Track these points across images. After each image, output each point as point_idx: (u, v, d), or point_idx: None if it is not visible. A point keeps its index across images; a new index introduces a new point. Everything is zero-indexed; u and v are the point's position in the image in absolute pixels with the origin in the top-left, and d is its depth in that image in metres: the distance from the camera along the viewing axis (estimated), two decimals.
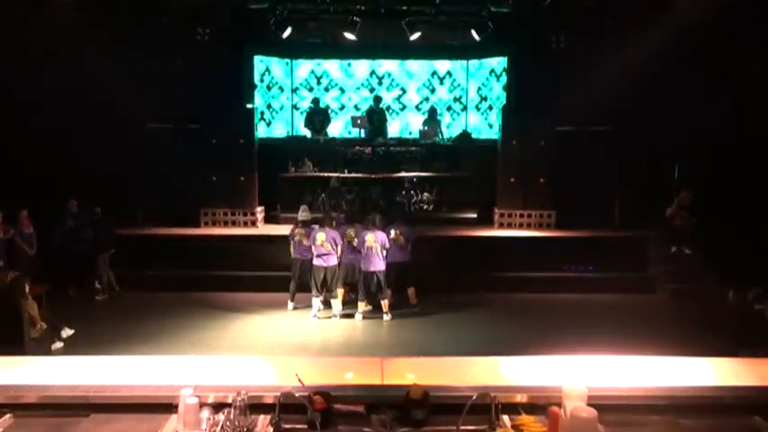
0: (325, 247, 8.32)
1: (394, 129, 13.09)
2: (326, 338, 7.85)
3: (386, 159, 12.10)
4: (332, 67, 13.43)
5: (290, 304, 8.83)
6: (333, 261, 8.41)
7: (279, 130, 13.30)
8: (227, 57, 11.72)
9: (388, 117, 12.95)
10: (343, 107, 13.43)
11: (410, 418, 3.07)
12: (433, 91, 13.50)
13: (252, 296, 9.41)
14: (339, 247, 8.45)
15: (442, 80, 13.48)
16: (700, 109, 10.17)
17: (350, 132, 12.69)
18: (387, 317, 8.36)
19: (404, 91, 13.44)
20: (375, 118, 12.52)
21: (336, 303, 8.57)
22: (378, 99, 12.81)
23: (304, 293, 8.71)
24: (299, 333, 8.01)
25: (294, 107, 13.41)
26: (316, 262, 8.38)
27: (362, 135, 12.39)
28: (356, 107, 13.39)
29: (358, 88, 13.45)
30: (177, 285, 9.61)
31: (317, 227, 8.62)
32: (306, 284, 8.69)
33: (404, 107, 13.46)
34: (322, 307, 8.59)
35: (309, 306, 8.59)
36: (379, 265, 8.30)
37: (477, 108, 13.42)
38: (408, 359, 4.30)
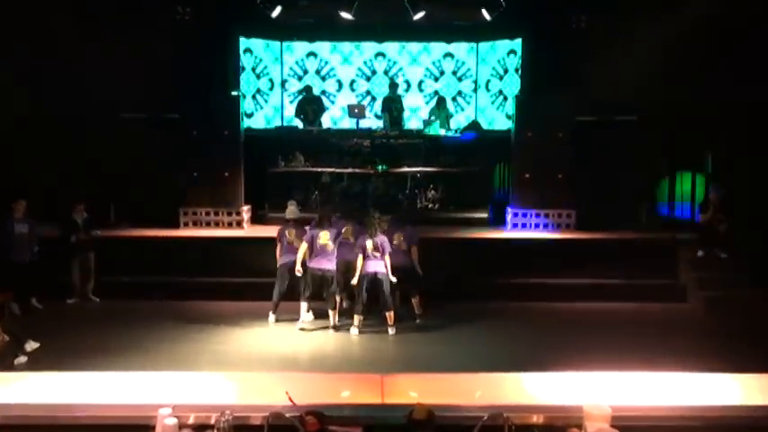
0: (328, 248, 8.30)
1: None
2: (320, 352, 7.85)
3: (387, 153, 12.11)
4: (326, 50, 13.44)
5: (272, 316, 8.77)
6: (331, 266, 8.40)
7: (267, 121, 13.32)
8: (209, 38, 11.73)
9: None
10: (340, 87, 13.44)
11: None
12: (438, 77, 13.52)
13: (237, 305, 9.40)
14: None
15: (449, 64, 13.49)
16: (737, 95, 10.19)
17: (377, 118, 12.55)
18: (392, 331, 8.33)
19: (408, 84, 13.43)
20: (393, 107, 12.49)
21: (333, 313, 8.58)
22: (394, 86, 12.79)
23: (291, 302, 8.70)
24: (289, 346, 8.01)
25: (283, 88, 13.40)
26: (312, 264, 8.34)
27: (359, 125, 12.41)
28: (352, 87, 13.41)
29: (353, 81, 13.45)
30: (153, 293, 9.59)
31: (312, 226, 8.62)
32: (291, 293, 8.69)
33: (408, 87, 13.47)
34: (311, 317, 8.57)
35: (296, 315, 8.59)
36: (380, 267, 8.28)
37: (488, 88, 13.42)
38: (411, 375, 4.30)
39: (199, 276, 9.93)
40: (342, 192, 11.79)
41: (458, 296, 9.49)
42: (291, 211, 8.88)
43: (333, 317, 8.50)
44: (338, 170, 11.92)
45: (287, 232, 8.73)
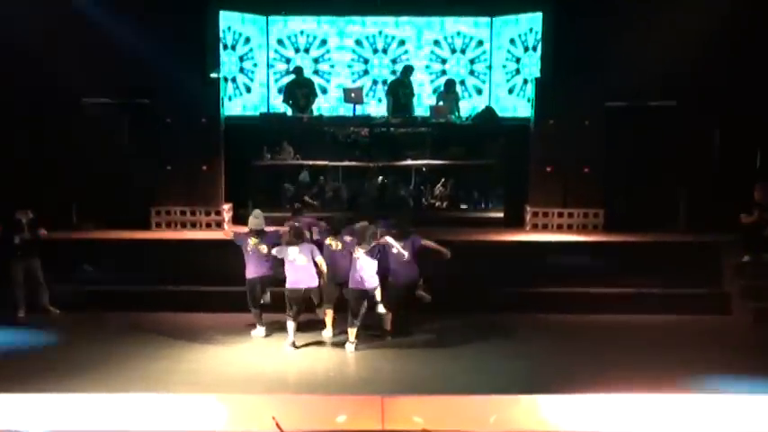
0: (299, 261, 8.28)
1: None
2: (311, 372, 7.85)
3: (388, 143, 12.12)
4: (319, 26, 13.44)
5: (261, 330, 8.80)
6: (313, 282, 8.38)
7: (251, 107, 13.32)
8: (184, 12, 11.72)
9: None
10: (332, 66, 13.43)
11: None
12: (447, 59, 13.49)
13: (215, 317, 9.40)
14: (320, 261, 8.40)
15: (459, 42, 13.49)
16: None
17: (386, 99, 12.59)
18: (389, 336, 8.34)
19: (412, 69, 13.41)
20: (401, 92, 12.47)
21: (327, 327, 8.57)
22: (408, 69, 12.75)
23: (278, 313, 8.67)
24: (276, 364, 8.01)
25: (270, 69, 13.38)
26: (290, 284, 8.33)
27: (356, 111, 12.41)
28: (349, 65, 13.40)
29: (349, 62, 13.46)
30: (121, 303, 9.61)
31: (282, 239, 8.60)
32: (268, 305, 8.73)
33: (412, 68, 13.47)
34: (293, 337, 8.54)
35: (283, 327, 8.56)
36: (371, 282, 8.27)
37: (504, 70, 13.40)
38: (415, 398, 4.29)
39: (173, 284, 9.92)
40: (324, 191, 11.79)
41: (469, 307, 9.49)
42: (255, 222, 8.82)
43: (327, 331, 8.52)
44: (332, 163, 11.93)
45: (252, 241, 8.63)
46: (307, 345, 8.52)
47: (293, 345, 8.41)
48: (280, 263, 8.52)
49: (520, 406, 3.75)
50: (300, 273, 8.32)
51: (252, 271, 8.65)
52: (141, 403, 4.90)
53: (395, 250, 8.49)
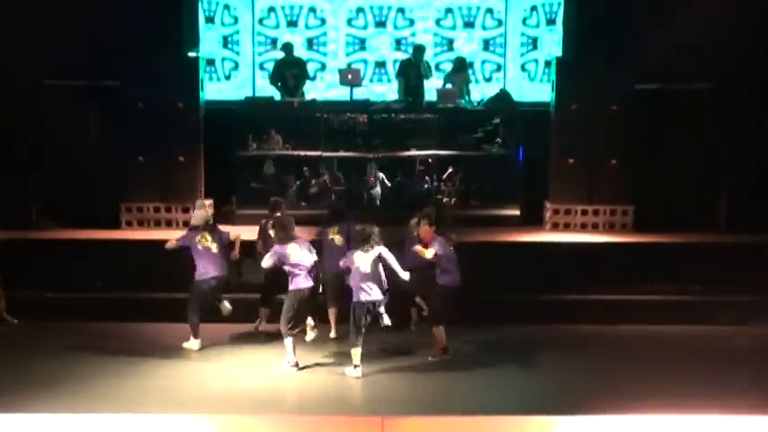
0: (305, 263, 8.24)
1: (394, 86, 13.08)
2: (304, 390, 7.87)
3: (389, 132, 12.13)
4: None
5: (196, 342, 8.75)
6: (309, 282, 8.39)
7: (235, 90, 13.35)
8: None
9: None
10: (329, 45, 13.45)
11: None
12: (453, 40, 13.51)
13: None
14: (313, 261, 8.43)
15: (469, 16, 13.51)
16: None
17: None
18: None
19: (423, 48, 13.42)
20: (411, 73, 12.52)
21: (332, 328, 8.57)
22: (419, 49, 12.77)
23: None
24: (264, 381, 8.02)
25: (254, 43, 13.40)
26: (302, 284, 8.30)
27: (353, 95, 12.45)
28: (352, 38, 13.44)
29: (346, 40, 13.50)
30: (87, 312, 9.63)
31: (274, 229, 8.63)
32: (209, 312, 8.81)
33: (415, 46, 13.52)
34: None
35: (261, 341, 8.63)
36: (378, 294, 8.17)
37: (520, 48, 13.41)
38: (420, 419, 4.31)
39: (146, 291, 9.96)
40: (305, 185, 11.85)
41: (479, 317, 9.50)
42: (200, 216, 8.83)
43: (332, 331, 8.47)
44: (325, 154, 11.96)
45: (202, 236, 8.69)
46: (299, 359, 8.55)
47: (296, 364, 8.27)
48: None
49: (534, 428, 3.78)
50: (304, 273, 8.26)
51: (205, 273, 8.65)
52: (110, 425, 4.93)
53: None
